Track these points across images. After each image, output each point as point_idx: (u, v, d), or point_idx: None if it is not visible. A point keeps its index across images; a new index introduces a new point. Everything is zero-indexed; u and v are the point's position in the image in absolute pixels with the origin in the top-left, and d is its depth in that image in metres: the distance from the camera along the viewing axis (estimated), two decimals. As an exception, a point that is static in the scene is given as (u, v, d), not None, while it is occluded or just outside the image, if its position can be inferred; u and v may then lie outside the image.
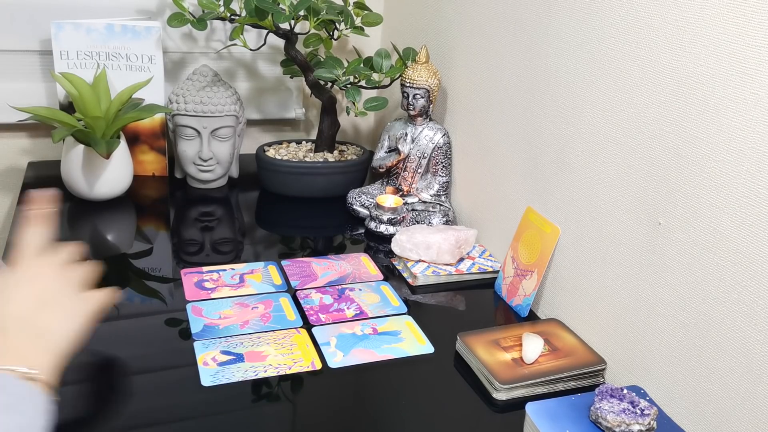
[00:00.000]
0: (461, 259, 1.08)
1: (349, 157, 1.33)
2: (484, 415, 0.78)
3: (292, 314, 0.92)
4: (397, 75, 1.22)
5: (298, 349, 0.85)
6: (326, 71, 1.22)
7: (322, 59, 1.28)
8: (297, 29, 1.25)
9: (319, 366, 0.82)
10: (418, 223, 1.17)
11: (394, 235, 1.09)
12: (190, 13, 1.21)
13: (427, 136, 1.20)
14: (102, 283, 0.69)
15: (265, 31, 1.23)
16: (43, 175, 1.30)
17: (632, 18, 0.78)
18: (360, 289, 1.00)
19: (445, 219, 1.17)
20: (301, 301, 0.95)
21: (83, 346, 0.68)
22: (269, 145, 1.35)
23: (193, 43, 1.39)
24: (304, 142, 1.39)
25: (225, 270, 1.02)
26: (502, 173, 1.09)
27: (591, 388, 0.80)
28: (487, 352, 0.84)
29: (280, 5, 1.15)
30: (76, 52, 1.24)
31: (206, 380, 0.78)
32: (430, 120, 1.22)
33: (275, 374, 0.80)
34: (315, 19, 1.20)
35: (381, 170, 1.24)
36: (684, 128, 0.72)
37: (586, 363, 0.84)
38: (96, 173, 1.16)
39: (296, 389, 0.79)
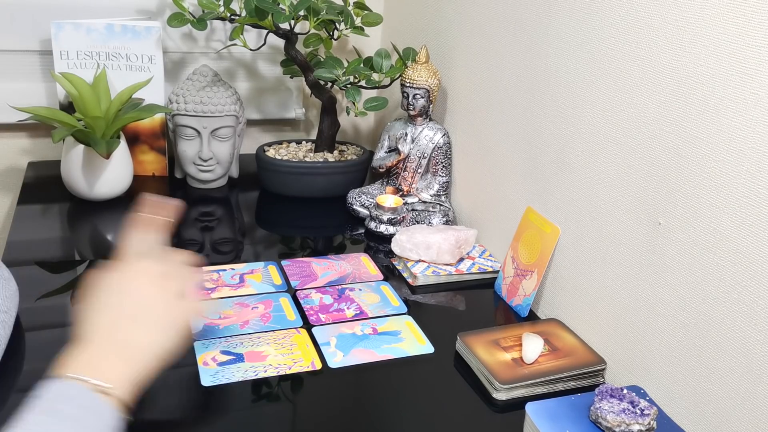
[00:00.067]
0: (461, 259, 1.08)
1: (349, 157, 1.33)
2: (484, 415, 0.78)
3: (292, 314, 0.92)
4: (397, 75, 1.22)
5: (298, 349, 0.85)
6: (326, 71, 1.22)
7: (322, 59, 1.28)
8: (297, 29, 1.25)
9: (319, 366, 0.82)
10: (418, 223, 1.17)
11: (394, 235, 1.09)
12: (190, 13, 1.21)
13: (427, 136, 1.20)
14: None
15: (265, 31, 1.23)
16: (43, 175, 1.30)
17: (632, 18, 0.78)
18: (360, 289, 1.00)
19: (445, 219, 1.17)
20: (301, 301, 0.95)
21: (172, 363, 0.65)
22: (269, 145, 1.35)
23: (193, 43, 1.39)
24: (304, 142, 1.39)
25: (225, 270, 1.02)
26: (502, 173, 1.09)
27: (591, 388, 0.80)
28: (487, 352, 0.84)
29: (280, 5, 1.15)
30: (76, 52, 1.24)
31: (206, 380, 0.78)
32: (430, 120, 1.22)
33: (275, 374, 0.80)
34: (315, 19, 1.20)
35: (381, 170, 1.24)
36: (684, 128, 0.72)
37: (586, 363, 0.84)
38: (96, 173, 1.16)
39: (296, 389, 0.79)
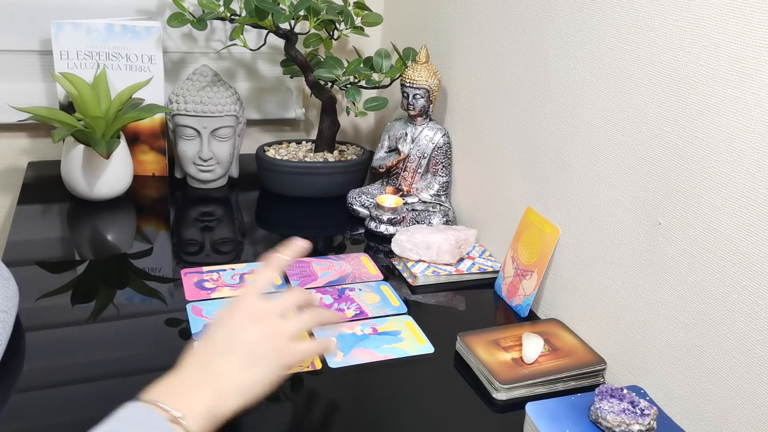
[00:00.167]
0: (461, 259, 1.08)
1: (349, 157, 1.33)
2: (484, 415, 0.78)
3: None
4: (397, 75, 1.22)
5: (298, 349, 0.85)
6: (326, 71, 1.22)
7: (322, 59, 1.28)
8: (297, 29, 1.25)
9: (319, 366, 0.82)
10: (418, 223, 1.17)
11: (394, 235, 1.09)
12: (190, 13, 1.21)
13: (427, 136, 1.20)
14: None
15: (265, 31, 1.23)
16: (43, 175, 1.30)
17: (632, 18, 0.78)
18: (360, 289, 1.00)
19: (445, 219, 1.17)
20: (301, 301, 0.95)
21: (261, 401, 0.64)
22: (269, 145, 1.35)
23: (193, 43, 1.39)
24: (304, 142, 1.39)
25: (225, 270, 1.02)
26: (502, 173, 1.09)
27: (591, 388, 0.80)
28: (487, 352, 0.84)
29: (280, 5, 1.15)
30: (76, 52, 1.24)
31: (206, 380, 0.78)
32: (430, 120, 1.22)
33: (275, 374, 0.80)
34: (315, 19, 1.20)
35: (381, 170, 1.24)
36: (684, 128, 0.72)
37: (586, 363, 0.84)
38: (96, 173, 1.16)
39: (296, 389, 0.79)
